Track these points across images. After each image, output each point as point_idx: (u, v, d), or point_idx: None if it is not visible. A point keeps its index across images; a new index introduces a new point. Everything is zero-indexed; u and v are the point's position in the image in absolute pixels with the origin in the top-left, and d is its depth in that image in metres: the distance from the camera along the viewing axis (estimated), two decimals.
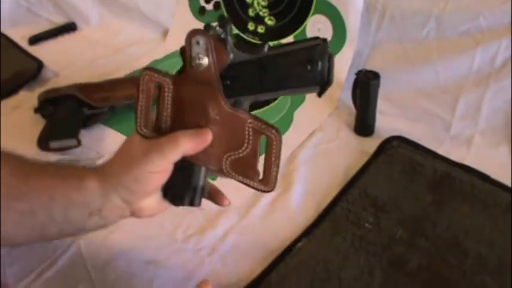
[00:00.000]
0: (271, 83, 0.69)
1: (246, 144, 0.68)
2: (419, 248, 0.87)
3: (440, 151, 1.05)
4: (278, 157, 0.68)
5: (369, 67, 1.12)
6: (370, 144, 1.08)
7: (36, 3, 1.52)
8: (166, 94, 0.68)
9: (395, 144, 1.07)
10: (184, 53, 0.67)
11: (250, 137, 0.68)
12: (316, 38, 0.69)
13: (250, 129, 0.68)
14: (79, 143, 1.07)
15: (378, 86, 1.08)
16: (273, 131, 0.68)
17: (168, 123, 0.68)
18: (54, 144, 1.06)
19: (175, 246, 0.89)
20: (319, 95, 0.69)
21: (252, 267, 0.85)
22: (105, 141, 1.11)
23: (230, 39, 0.67)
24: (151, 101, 0.68)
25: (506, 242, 0.87)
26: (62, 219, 0.69)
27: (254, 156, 0.68)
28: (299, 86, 0.69)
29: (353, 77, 1.10)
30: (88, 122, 1.14)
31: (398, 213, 0.93)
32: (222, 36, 0.67)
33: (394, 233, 0.90)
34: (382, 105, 1.12)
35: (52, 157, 1.05)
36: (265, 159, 0.68)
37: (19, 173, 0.69)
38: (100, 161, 1.00)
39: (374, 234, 0.89)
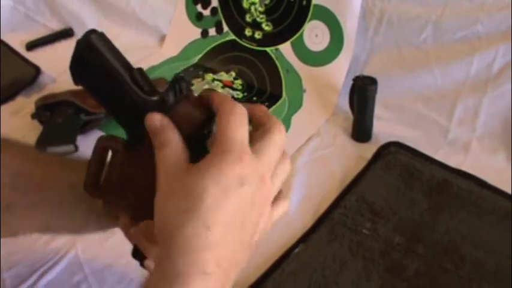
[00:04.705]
0: None
1: None
2: (416, 254, 0.87)
3: (438, 157, 1.05)
4: None
5: (366, 73, 1.13)
6: (368, 150, 1.08)
7: (34, 9, 1.52)
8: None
9: (393, 150, 1.06)
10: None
11: None
12: None
13: None
14: (76, 149, 1.07)
15: (375, 91, 1.08)
16: None
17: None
18: (51, 149, 1.06)
19: None
20: None
21: (249, 273, 0.85)
22: None
23: None
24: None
25: (503, 247, 0.87)
26: None
27: None
28: None
29: (350, 82, 1.11)
30: (85, 127, 1.14)
31: (395, 219, 0.93)
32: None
33: (392, 238, 0.89)
34: (379, 110, 1.12)
35: None
36: None
37: None
38: None
39: (371, 240, 0.89)
